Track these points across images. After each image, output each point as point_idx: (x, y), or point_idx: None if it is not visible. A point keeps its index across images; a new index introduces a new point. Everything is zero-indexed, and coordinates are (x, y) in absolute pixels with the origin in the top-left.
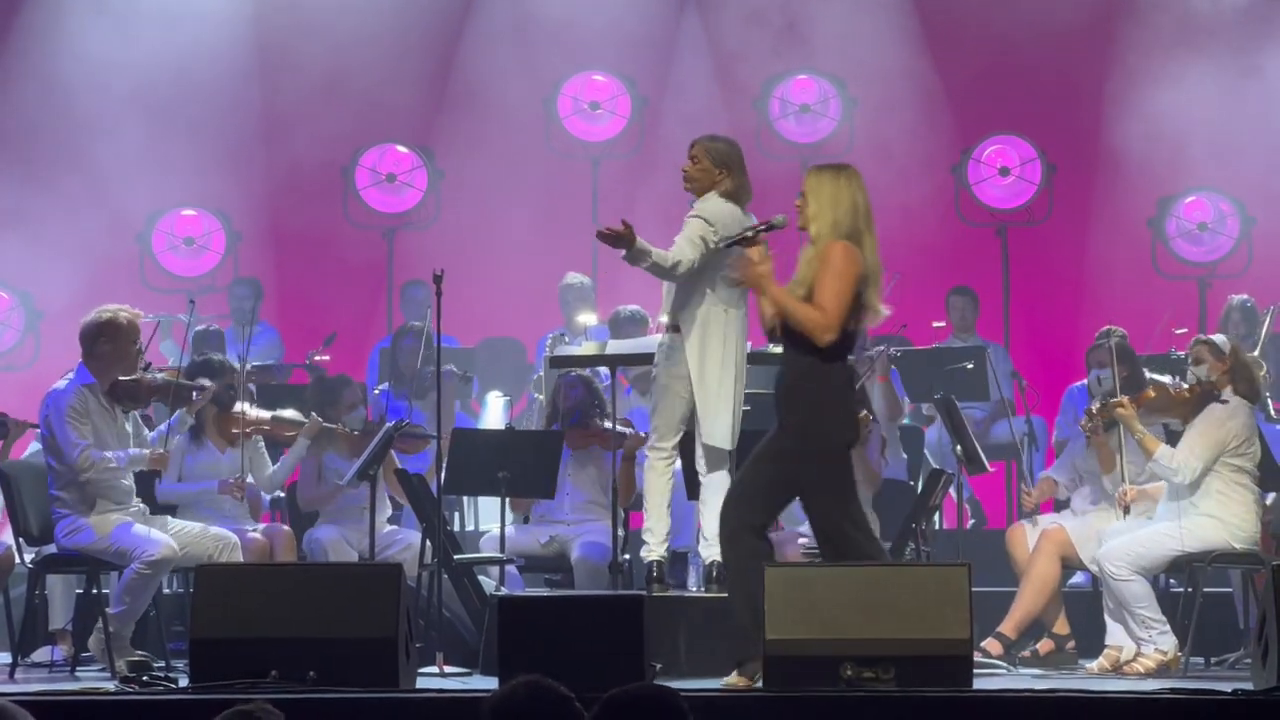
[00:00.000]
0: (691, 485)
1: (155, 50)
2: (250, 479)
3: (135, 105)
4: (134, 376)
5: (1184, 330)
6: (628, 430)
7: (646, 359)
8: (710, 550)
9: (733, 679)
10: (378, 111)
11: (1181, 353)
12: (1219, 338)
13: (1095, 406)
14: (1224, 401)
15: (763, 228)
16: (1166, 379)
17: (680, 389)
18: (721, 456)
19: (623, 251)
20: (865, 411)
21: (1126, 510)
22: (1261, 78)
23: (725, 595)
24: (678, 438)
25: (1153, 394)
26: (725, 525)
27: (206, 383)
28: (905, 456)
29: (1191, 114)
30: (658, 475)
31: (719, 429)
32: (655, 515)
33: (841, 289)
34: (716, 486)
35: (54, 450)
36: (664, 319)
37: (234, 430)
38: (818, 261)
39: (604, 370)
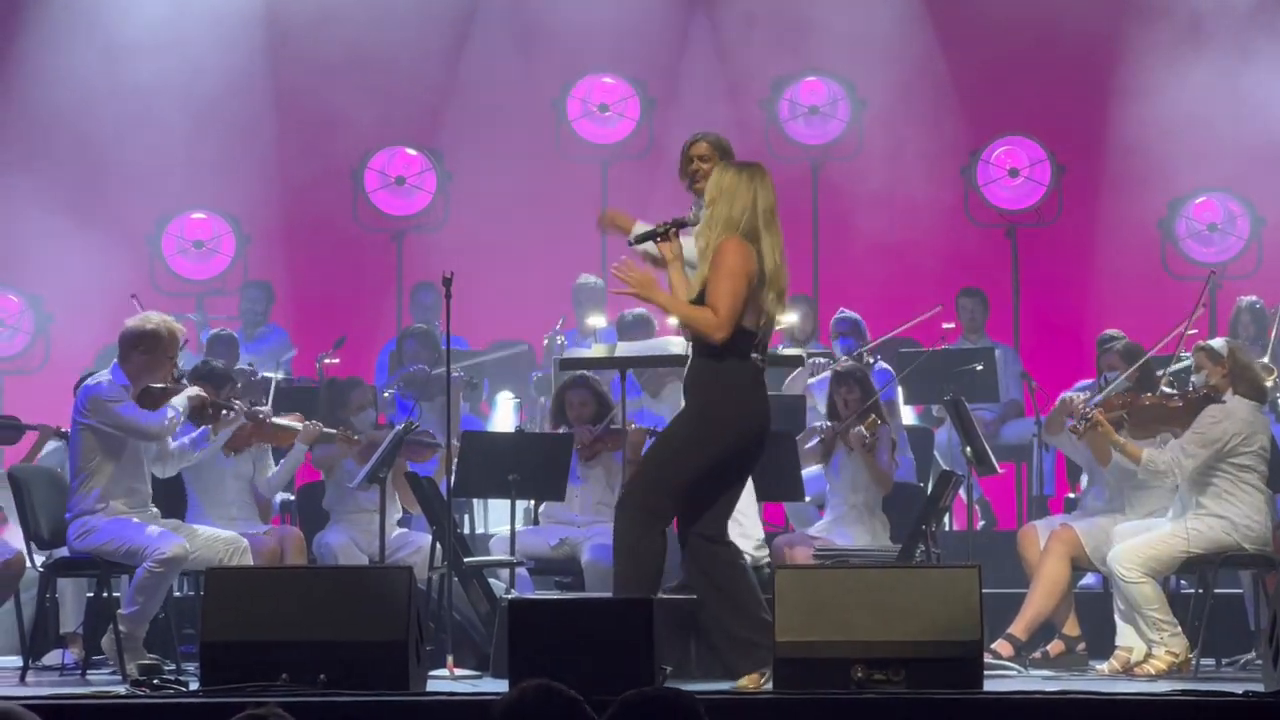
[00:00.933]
0: None
1: (165, 52)
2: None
3: (145, 108)
4: (164, 385)
5: (1195, 331)
6: (630, 427)
7: (657, 361)
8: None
9: (743, 682)
10: (387, 114)
11: (1188, 353)
12: (1216, 342)
13: (1080, 422)
14: (1221, 402)
15: (672, 225)
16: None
17: None
18: None
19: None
20: (874, 416)
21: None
22: (1270, 77)
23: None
24: None
25: (1146, 403)
26: (681, 545)
27: (238, 404)
28: (911, 457)
29: (1201, 115)
30: None
31: None
32: None
33: (731, 287)
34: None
35: (109, 435)
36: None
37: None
38: (710, 259)
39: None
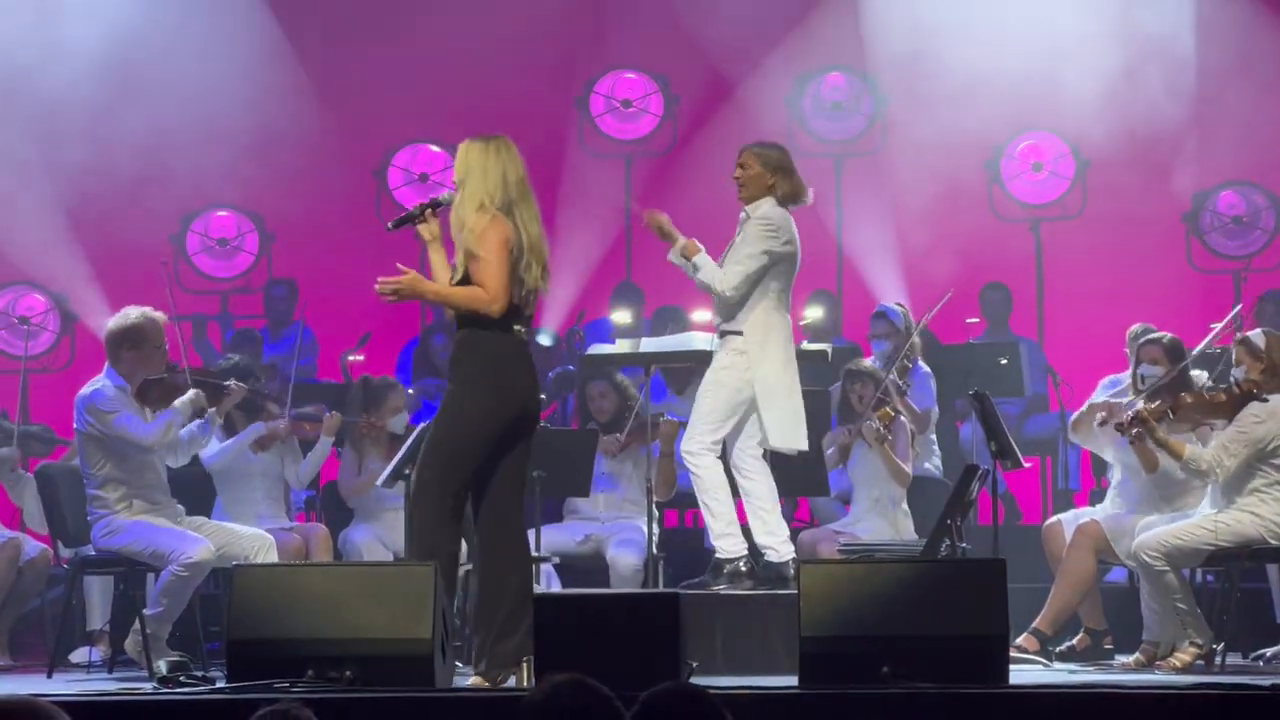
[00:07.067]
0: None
1: (186, 49)
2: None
3: (168, 105)
4: (160, 376)
5: (1218, 326)
6: (661, 419)
7: (680, 358)
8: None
9: (474, 680)
10: (410, 110)
11: (1219, 347)
12: (1255, 334)
13: (1125, 418)
14: (1264, 400)
15: (429, 205)
16: (1200, 373)
17: (742, 387)
18: (760, 451)
19: (669, 250)
20: (888, 408)
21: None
22: None
23: (761, 591)
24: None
25: (1189, 400)
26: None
27: (233, 383)
28: (939, 453)
29: (1224, 107)
30: (720, 468)
31: (792, 433)
32: (731, 508)
33: (496, 262)
34: (765, 482)
35: (113, 442)
36: (716, 321)
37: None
38: (468, 238)
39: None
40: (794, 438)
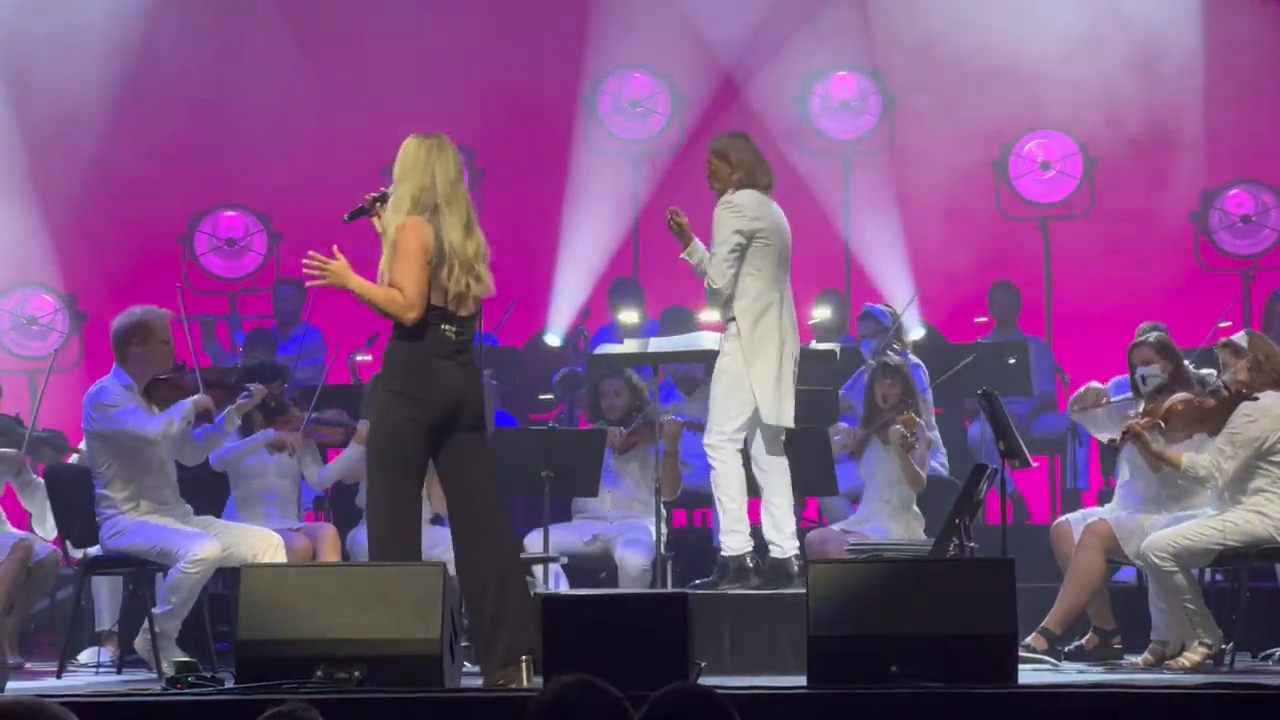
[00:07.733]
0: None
1: (195, 49)
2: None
3: (176, 105)
4: (169, 375)
5: (1229, 324)
6: (666, 419)
7: (688, 357)
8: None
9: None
10: (418, 110)
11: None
12: (1238, 336)
13: (1117, 437)
14: (1254, 399)
15: (379, 198)
16: (1210, 372)
17: (743, 372)
18: (779, 444)
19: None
20: (909, 413)
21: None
22: None
23: (769, 591)
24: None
25: (1180, 408)
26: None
27: (255, 386)
28: (945, 451)
29: (1232, 106)
30: (739, 465)
31: (784, 410)
32: (743, 506)
33: (411, 266)
34: (780, 476)
35: (119, 439)
36: (719, 315)
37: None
38: (390, 240)
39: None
40: (781, 414)
